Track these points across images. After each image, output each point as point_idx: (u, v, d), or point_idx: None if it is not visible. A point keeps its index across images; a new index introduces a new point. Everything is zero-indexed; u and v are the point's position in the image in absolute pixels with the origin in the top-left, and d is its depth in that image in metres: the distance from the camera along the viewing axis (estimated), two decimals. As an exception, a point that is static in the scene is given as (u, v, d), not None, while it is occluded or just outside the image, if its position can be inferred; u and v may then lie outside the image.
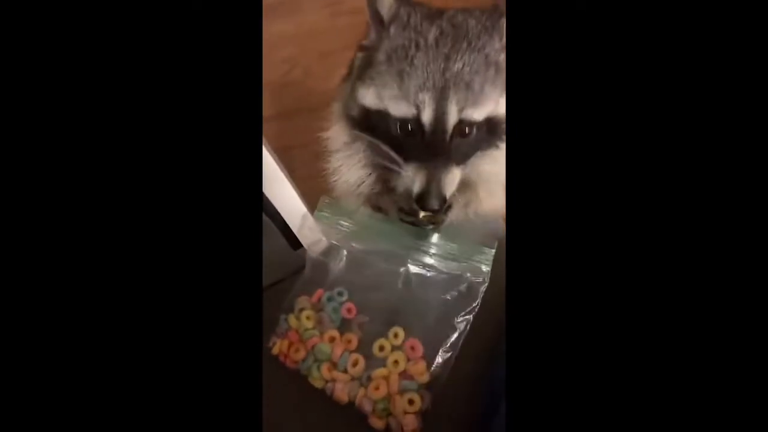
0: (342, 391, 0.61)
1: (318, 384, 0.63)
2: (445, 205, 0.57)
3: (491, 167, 0.61)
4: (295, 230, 0.76)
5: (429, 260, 0.65)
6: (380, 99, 0.53)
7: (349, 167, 0.67)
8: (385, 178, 0.66)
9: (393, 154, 0.56)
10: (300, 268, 0.77)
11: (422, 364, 0.61)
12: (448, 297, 0.64)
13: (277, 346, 0.67)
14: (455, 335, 0.62)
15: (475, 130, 0.54)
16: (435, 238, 0.66)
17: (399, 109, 0.52)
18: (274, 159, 0.74)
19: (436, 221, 0.62)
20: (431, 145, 0.53)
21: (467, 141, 0.54)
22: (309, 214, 0.77)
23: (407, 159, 0.55)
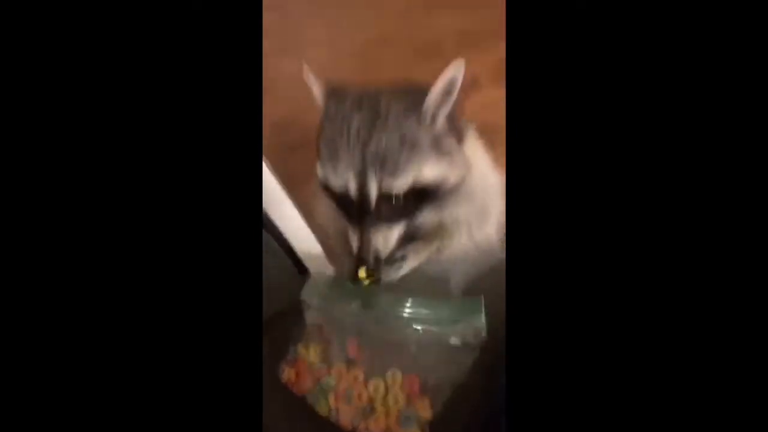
0: (346, 419, 0.64)
1: (323, 411, 0.66)
2: (383, 262, 0.67)
3: (465, 209, 0.70)
4: (301, 255, 0.78)
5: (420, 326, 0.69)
6: (325, 175, 0.65)
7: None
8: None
9: (346, 219, 0.67)
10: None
11: (426, 401, 0.62)
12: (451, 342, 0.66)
13: (286, 373, 0.69)
14: (457, 370, 0.64)
15: (401, 199, 0.63)
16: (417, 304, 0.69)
17: (336, 182, 0.63)
18: (281, 186, 0.75)
19: (373, 277, 0.70)
20: (360, 212, 0.64)
21: (395, 207, 0.64)
22: (315, 240, 0.78)
23: (350, 224, 0.66)
